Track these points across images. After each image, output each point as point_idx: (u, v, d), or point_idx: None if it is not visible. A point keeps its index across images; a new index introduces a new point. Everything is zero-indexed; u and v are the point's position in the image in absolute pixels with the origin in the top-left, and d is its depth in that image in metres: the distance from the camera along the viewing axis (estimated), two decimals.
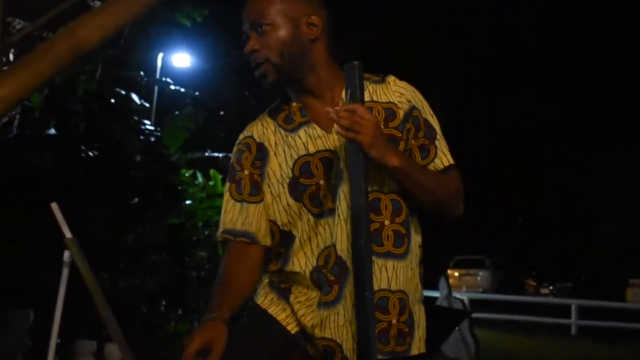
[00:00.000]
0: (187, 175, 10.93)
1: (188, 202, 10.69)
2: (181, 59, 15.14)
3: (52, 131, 8.27)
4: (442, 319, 2.31)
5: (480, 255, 27.75)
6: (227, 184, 2.29)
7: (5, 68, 3.71)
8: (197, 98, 10.34)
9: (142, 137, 8.73)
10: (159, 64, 11.44)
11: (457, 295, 11.67)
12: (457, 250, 25.97)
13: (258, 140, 2.22)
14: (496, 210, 32.35)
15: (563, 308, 17.03)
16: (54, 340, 3.05)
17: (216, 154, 11.70)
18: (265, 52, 2.15)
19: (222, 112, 12.02)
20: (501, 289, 25.23)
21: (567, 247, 34.60)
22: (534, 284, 33.25)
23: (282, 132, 2.20)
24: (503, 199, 32.53)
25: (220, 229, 2.26)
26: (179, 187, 10.02)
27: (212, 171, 11.37)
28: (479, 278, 27.16)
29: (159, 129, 9.20)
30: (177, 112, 9.64)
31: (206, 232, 11.13)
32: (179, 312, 10.99)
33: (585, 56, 29.23)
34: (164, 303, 10.64)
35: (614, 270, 30.23)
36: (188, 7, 9.15)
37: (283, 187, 2.18)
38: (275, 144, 2.20)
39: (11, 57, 3.91)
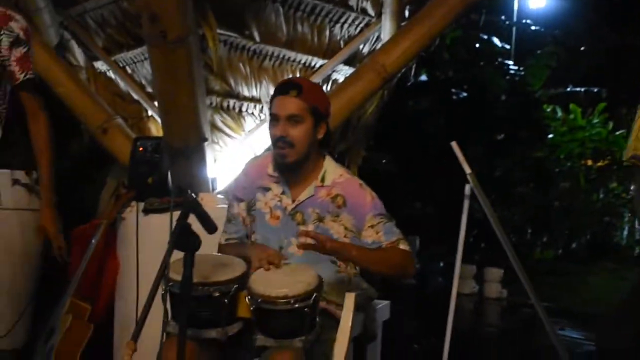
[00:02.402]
0: (547, 110, 10.53)
1: (550, 136, 10.31)
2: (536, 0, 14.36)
3: (424, 78, 8.40)
4: None
5: None
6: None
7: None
8: (556, 36, 9.83)
9: (506, 78, 8.54)
10: (516, 6, 11.02)
11: None
12: None
13: None
14: None
15: None
16: (458, 264, 3.05)
17: (577, 89, 11.10)
18: None
19: (582, 48, 11.26)
20: None
21: None
22: None
23: None
24: None
25: (629, 154, 2.13)
26: (542, 123, 9.67)
27: (571, 105, 10.79)
28: None
29: (522, 68, 8.91)
30: (538, 51, 9.24)
31: (568, 164, 10.67)
32: (544, 239, 10.78)
33: None
34: (529, 231, 10.49)
35: None
36: None
37: None
38: None
39: None
